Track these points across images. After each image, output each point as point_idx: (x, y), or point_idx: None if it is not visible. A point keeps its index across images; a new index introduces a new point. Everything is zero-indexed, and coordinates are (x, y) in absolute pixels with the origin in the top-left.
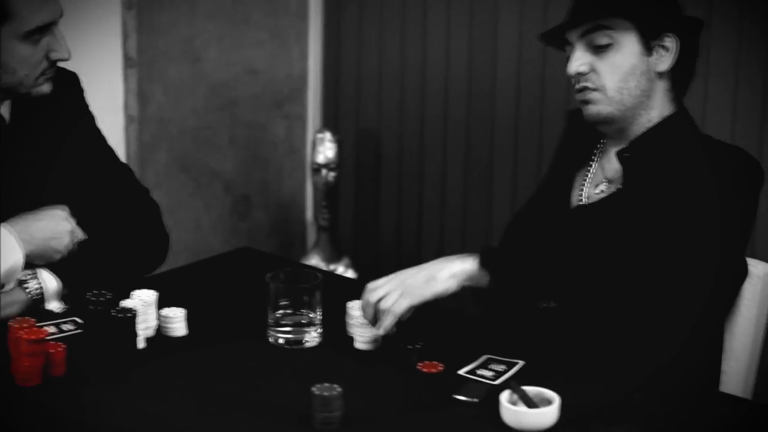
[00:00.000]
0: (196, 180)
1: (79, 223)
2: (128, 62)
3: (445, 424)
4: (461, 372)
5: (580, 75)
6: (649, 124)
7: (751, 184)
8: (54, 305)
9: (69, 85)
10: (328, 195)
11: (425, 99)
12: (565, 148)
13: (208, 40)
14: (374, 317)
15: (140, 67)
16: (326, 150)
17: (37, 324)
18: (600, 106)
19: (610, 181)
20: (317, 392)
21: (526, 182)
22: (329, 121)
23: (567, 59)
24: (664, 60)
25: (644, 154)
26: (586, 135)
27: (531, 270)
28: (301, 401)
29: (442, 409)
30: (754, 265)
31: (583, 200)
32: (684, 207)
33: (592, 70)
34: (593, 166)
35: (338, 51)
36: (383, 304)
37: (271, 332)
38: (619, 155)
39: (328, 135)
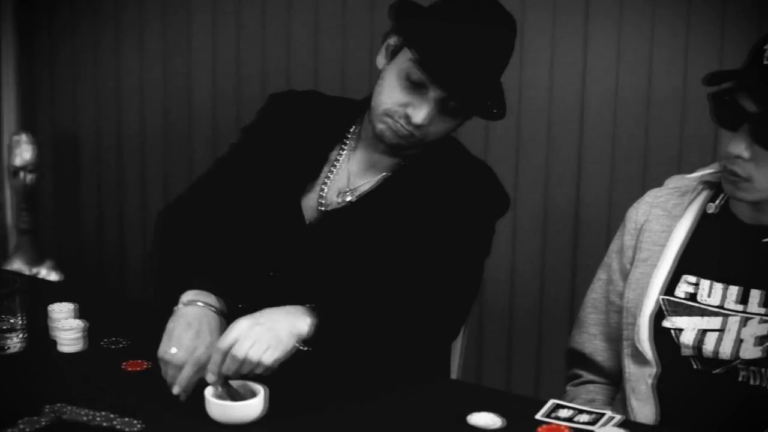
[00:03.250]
0: None
1: None
2: None
3: (152, 422)
4: None
5: (414, 128)
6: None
7: (496, 208)
8: None
9: None
10: (28, 198)
11: (121, 100)
12: (270, 134)
13: None
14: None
15: None
16: (24, 152)
17: None
18: (410, 148)
19: (353, 190)
20: None
21: None
22: (26, 123)
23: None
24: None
25: (409, 168)
26: (318, 135)
27: (354, 340)
28: (7, 408)
29: (149, 407)
30: None
31: (324, 205)
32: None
33: (430, 125)
34: (336, 171)
35: (32, 53)
36: (252, 355)
37: None
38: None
39: (24, 137)
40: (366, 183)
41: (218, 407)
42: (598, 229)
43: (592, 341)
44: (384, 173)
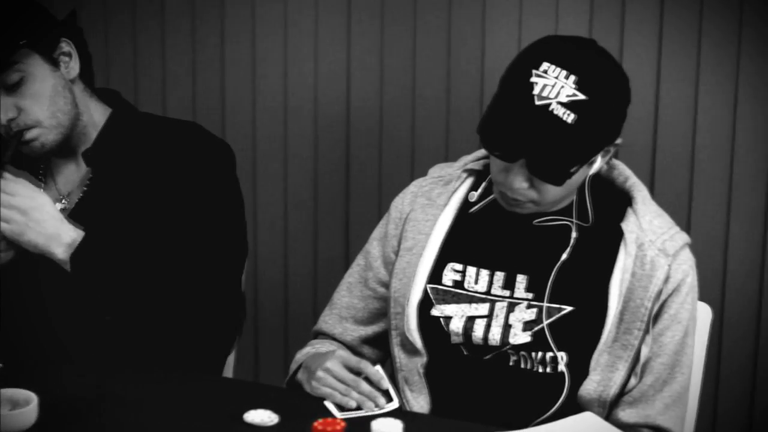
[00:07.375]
0: None
1: None
2: None
3: None
4: None
5: (10, 121)
6: (94, 129)
7: (222, 156)
8: None
9: None
10: None
11: None
12: None
13: None
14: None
15: None
16: None
17: None
18: (43, 139)
19: (67, 196)
20: None
21: None
22: None
23: None
24: (72, 65)
25: (107, 155)
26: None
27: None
28: None
29: None
30: None
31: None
32: (171, 197)
33: (20, 109)
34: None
35: None
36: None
37: None
38: (87, 160)
39: None
40: (73, 184)
41: None
42: (369, 224)
43: (342, 323)
44: (85, 170)
